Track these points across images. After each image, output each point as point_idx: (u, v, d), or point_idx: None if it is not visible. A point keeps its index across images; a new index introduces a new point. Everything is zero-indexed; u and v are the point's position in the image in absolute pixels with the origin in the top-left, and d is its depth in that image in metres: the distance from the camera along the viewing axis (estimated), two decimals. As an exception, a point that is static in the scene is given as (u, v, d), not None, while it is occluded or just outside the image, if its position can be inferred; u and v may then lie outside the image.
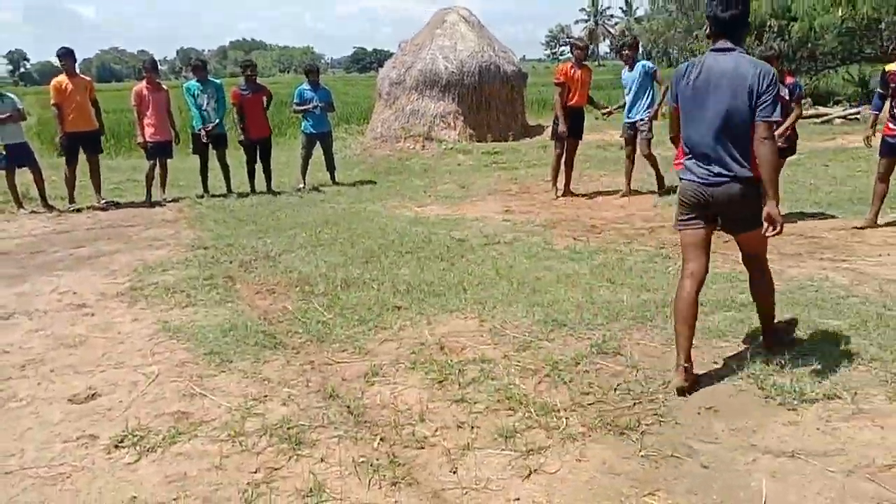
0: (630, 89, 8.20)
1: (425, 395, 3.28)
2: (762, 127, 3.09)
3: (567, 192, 8.54)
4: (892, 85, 6.18)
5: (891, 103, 6.22)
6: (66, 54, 8.46)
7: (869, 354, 3.49)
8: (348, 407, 3.17)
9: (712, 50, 3.24)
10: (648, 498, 2.45)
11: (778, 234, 3.15)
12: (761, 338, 3.70)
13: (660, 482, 2.54)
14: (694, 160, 3.31)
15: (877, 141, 6.39)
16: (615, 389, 3.27)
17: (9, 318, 4.65)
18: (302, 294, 4.87)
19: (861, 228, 6.18)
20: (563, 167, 8.49)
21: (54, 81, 8.47)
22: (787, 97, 6.13)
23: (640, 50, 10.50)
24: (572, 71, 8.19)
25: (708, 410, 3.06)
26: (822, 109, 17.04)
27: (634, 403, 3.14)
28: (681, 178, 3.43)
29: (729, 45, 3.20)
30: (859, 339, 3.71)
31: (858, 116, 15.20)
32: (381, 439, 2.89)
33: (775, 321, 3.74)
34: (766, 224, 3.14)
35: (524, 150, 13.00)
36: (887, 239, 5.88)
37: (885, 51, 16.35)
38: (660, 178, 8.16)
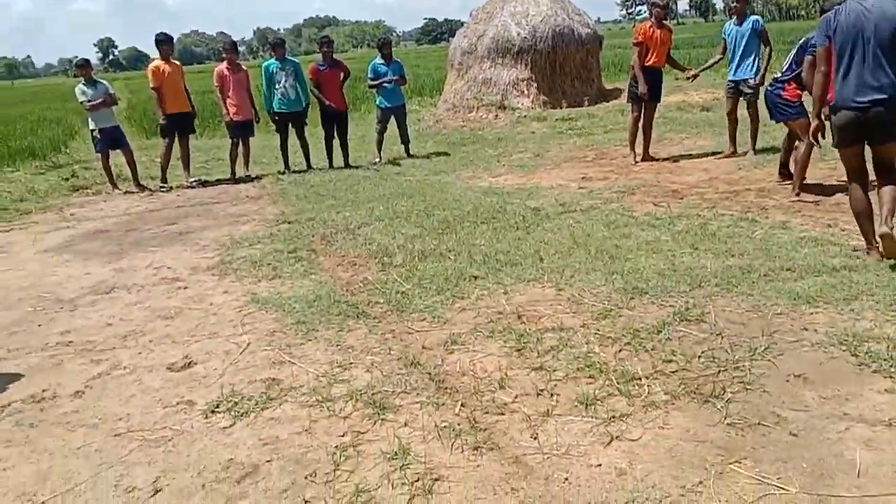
0: (737, 45, 7.72)
1: (504, 363, 3.31)
2: None
3: (647, 156, 8.30)
4: None
5: None
6: (166, 40, 8.86)
7: (977, 320, 3.29)
8: (429, 374, 3.25)
9: None
10: (735, 465, 2.41)
11: None
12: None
13: (746, 450, 2.49)
14: (852, 89, 4.08)
15: None
16: (699, 357, 3.21)
17: (110, 292, 4.97)
18: (381, 265, 4.97)
19: None
20: (641, 131, 8.26)
21: (152, 66, 8.86)
22: None
23: (722, 5, 10.05)
24: (651, 31, 7.97)
25: (798, 378, 2.96)
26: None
27: (719, 371, 3.08)
28: (838, 108, 4.19)
29: None
30: (966, 303, 3.50)
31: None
32: (461, 405, 2.95)
33: None
34: None
35: (600, 115, 12.70)
36: None
37: None
38: (755, 138, 7.83)
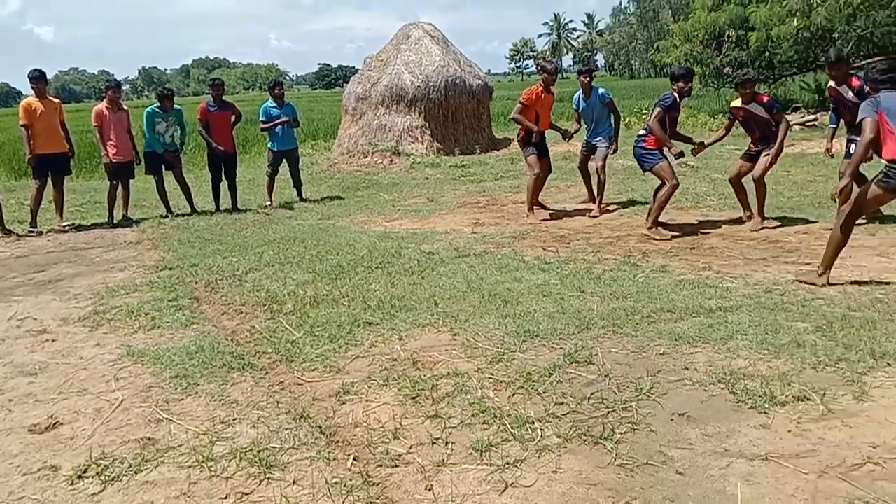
0: (591, 118, 8.19)
1: (398, 412, 3.23)
2: None
3: (537, 204, 8.38)
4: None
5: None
6: (39, 77, 8.32)
7: (836, 355, 3.54)
8: (320, 427, 3.11)
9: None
10: (625, 507, 2.44)
11: None
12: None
13: (636, 491, 2.53)
14: None
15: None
16: (588, 399, 3.26)
17: (-36, 347, 4.49)
18: (270, 313, 4.79)
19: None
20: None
21: (24, 102, 8.31)
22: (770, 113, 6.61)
23: (603, 63, 10.53)
24: (540, 95, 7.77)
25: (681, 417, 3.07)
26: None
27: (608, 412, 3.14)
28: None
29: None
30: (826, 339, 3.77)
31: (816, 123, 15.58)
32: (354, 459, 2.84)
33: None
34: None
35: (492, 163, 13.06)
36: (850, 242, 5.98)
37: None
38: (601, 191, 8.04)
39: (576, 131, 8.56)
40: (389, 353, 3.95)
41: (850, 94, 6.41)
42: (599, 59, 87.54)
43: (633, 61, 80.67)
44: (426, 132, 14.67)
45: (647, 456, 2.75)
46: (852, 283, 4.81)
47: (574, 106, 8.48)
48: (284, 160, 9.83)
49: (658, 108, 6.56)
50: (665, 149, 6.68)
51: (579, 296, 4.81)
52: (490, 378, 3.54)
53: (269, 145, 9.99)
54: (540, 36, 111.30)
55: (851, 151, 6.33)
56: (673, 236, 6.53)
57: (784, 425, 2.93)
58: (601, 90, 8.17)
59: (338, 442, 2.99)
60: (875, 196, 4.66)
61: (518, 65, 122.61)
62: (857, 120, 4.65)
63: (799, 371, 3.41)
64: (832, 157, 7.16)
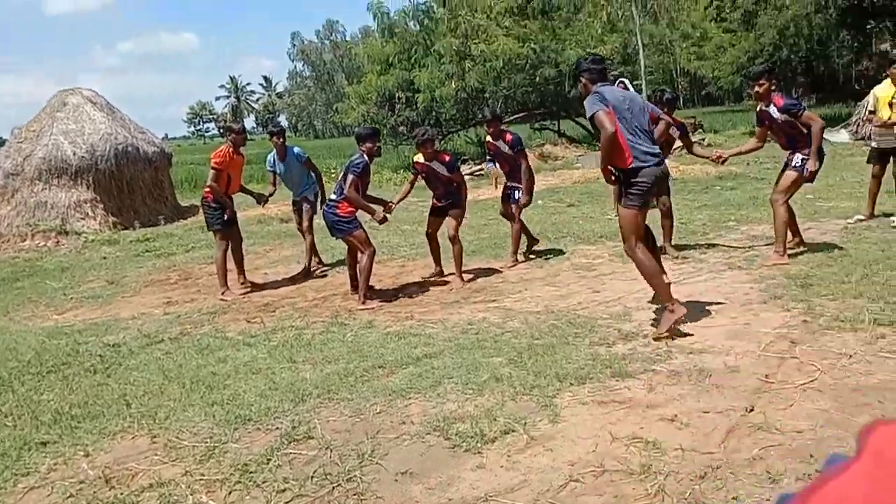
0: (291, 179, 8.07)
1: (91, 547, 2.72)
2: None
3: (243, 277, 7.87)
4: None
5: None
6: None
7: (528, 383, 3.90)
8: None
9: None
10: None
11: None
12: None
13: (372, 568, 2.44)
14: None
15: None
16: (312, 478, 3.11)
17: None
18: None
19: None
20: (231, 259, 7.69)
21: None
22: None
23: (287, 123, 10.52)
24: (230, 156, 7.32)
25: (404, 475, 3.07)
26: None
27: (333, 487, 3.02)
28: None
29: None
30: (518, 370, 4.14)
31: (482, 172, 17.62)
32: None
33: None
34: None
35: (180, 234, 12.21)
36: (523, 276, 6.78)
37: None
38: (313, 252, 8.11)
39: (271, 193, 8.25)
40: (74, 476, 3.34)
41: (506, 148, 7.30)
42: (283, 120, 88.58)
43: (315, 122, 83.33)
44: (98, 206, 13.23)
45: (377, 526, 2.69)
46: (533, 312, 5.40)
47: (269, 167, 8.27)
48: None
49: (351, 176, 6.25)
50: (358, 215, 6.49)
51: (291, 366, 4.64)
52: (201, 480, 3.18)
53: None
54: (218, 98, 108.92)
55: (517, 197, 7.21)
56: (380, 302, 6.33)
57: (497, 461, 3.11)
58: (296, 149, 8.14)
59: None
60: (637, 216, 4.58)
61: (198, 128, 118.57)
62: (588, 115, 4.54)
63: (501, 405, 3.67)
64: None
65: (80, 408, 4.17)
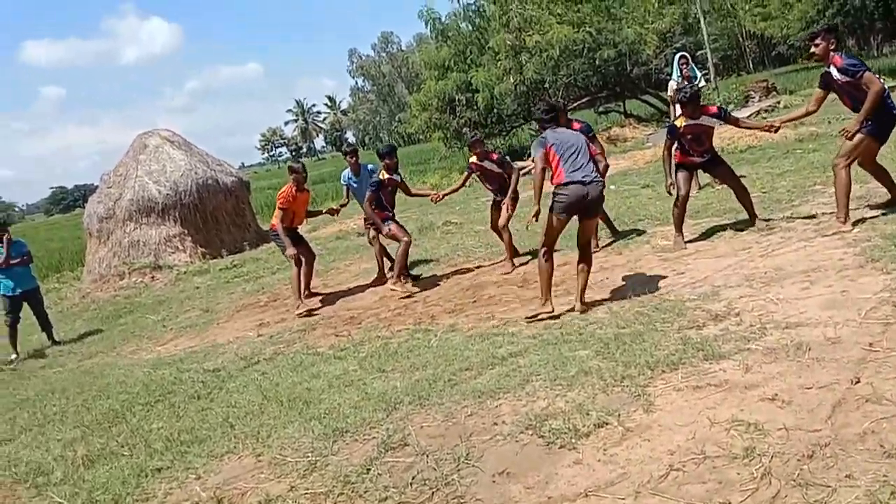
0: (363, 193, 7.94)
1: (211, 565, 2.86)
2: None
3: (309, 293, 8.13)
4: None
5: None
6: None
7: (619, 374, 3.83)
8: None
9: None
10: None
11: None
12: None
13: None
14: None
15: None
16: (411, 484, 3.17)
17: None
18: (35, 489, 4.06)
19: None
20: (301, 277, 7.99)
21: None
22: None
23: (354, 140, 10.73)
24: (293, 195, 7.69)
25: (501, 476, 3.08)
26: (518, 164, 19.32)
27: (433, 493, 3.06)
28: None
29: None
30: (607, 361, 4.07)
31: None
32: None
33: None
34: None
35: (265, 257, 12.67)
36: (602, 264, 6.66)
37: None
38: (387, 260, 8.23)
39: (343, 205, 8.62)
40: (189, 498, 3.52)
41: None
42: (350, 136, 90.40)
43: (381, 134, 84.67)
44: (186, 239, 13.90)
45: (480, 528, 2.70)
46: (616, 301, 5.30)
47: (343, 182, 8.50)
48: (25, 303, 8.65)
49: (369, 192, 7.44)
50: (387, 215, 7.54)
51: (381, 376, 4.74)
52: (306, 493, 3.29)
53: (2, 291, 8.72)
54: (287, 123, 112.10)
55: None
56: (414, 292, 7.14)
57: (593, 455, 3.07)
58: (370, 166, 8.35)
59: None
60: (555, 223, 5.29)
61: (271, 153, 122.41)
62: (531, 157, 5.50)
63: (592, 398, 3.63)
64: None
65: (188, 433, 4.40)
